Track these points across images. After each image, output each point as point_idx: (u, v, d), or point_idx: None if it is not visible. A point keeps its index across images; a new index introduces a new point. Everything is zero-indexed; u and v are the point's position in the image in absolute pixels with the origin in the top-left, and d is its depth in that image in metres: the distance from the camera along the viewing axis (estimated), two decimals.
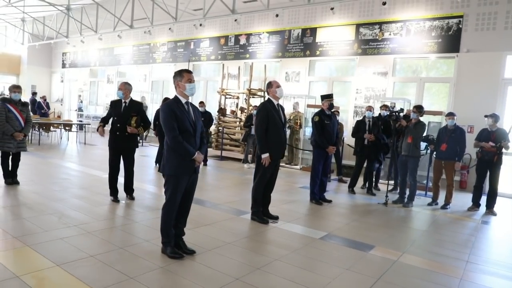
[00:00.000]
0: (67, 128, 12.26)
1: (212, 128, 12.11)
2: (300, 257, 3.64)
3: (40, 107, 14.96)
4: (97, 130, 5.29)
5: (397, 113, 6.33)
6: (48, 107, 15.69)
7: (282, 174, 8.88)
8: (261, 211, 4.73)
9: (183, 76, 3.27)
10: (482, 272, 3.65)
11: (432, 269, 3.59)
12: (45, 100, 15.69)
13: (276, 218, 4.82)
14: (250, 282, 2.97)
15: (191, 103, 3.43)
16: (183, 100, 3.32)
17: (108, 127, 5.24)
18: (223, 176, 8.29)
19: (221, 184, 7.34)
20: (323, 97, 6.07)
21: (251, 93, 10.84)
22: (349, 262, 3.60)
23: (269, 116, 4.49)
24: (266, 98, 4.90)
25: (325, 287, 2.98)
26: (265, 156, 4.54)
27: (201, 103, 9.58)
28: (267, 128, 4.51)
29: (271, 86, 4.62)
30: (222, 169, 9.21)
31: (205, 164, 9.36)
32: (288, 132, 10.39)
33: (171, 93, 13.69)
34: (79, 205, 4.93)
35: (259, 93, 10.90)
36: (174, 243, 3.43)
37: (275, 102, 4.60)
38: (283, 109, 4.74)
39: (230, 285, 2.89)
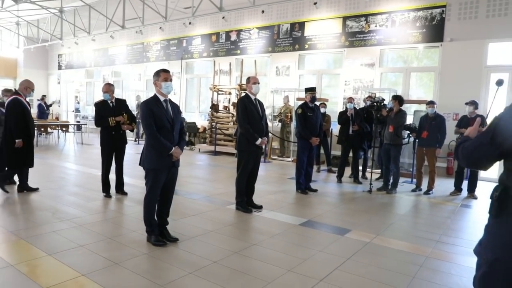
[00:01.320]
0: (64, 129, 12.50)
1: (205, 124, 12.39)
2: (277, 242, 3.89)
3: (40, 109, 15.12)
4: (121, 123, 5.36)
5: (378, 103, 6.54)
6: (47, 108, 15.93)
7: (273, 167, 9.15)
8: (245, 201, 4.97)
9: (160, 76, 3.51)
10: (449, 250, 3.89)
11: (401, 249, 3.83)
12: (43, 99, 15.89)
13: (260, 207, 5.06)
14: (226, 264, 3.22)
15: (170, 101, 3.67)
16: (162, 98, 3.55)
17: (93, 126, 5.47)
18: (215, 170, 8.54)
19: (212, 178, 7.59)
20: (306, 90, 6.29)
21: (242, 89, 11.02)
22: (323, 244, 3.84)
23: (247, 109, 4.72)
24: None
25: (295, 268, 3.22)
26: (259, 141, 4.79)
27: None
28: (248, 122, 4.75)
29: (248, 81, 4.85)
30: (215, 164, 9.45)
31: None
32: (279, 125, 10.63)
33: None
34: (73, 201, 5.18)
35: None
36: (158, 232, 3.68)
37: (253, 97, 4.83)
38: (261, 103, 4.96)
39: (208, 268, 3.14)
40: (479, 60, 8.49)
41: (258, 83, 4.90)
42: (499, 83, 5.23)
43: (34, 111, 18.06)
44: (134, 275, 2.94)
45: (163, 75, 3.50)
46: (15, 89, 5.64)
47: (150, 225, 3.63)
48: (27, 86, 5.48)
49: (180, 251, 3.53)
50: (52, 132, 12.96)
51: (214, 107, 11.68)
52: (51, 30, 16.10)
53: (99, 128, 5.48)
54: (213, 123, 11.48)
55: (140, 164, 3.62)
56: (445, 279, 3.17)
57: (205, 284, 2.85)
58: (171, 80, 3.55)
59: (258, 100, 4.95)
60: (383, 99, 6.80)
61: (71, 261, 3.15)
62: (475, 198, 6.42)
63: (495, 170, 7.05)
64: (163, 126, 3.47)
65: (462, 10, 8.70)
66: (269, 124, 11.14)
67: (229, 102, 12.13)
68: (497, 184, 1.54)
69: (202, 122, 13.44)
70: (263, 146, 4.97)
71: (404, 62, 9.89)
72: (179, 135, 3.65)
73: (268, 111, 11.87)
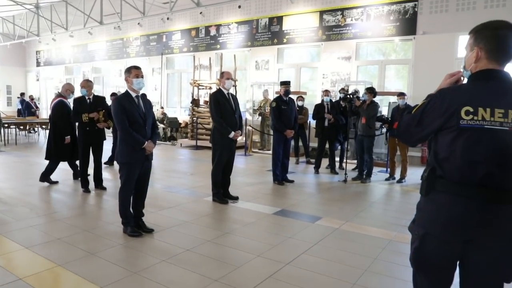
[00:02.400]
0: (43, 126, 12.41)
1: (187, 119, 12.46)
2: (249, 230, 4.06)
3: (29, 106, 14.95)
4: (95, 119, 5.47)
5: (351, 96, 6.75)
6: (37, 107, 15.76)
7: (254, 159, 9.32)
8: (221, 193, 5.12)
9: (131, 72, 3.62)
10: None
11: (367, 233, 4.04)
12: (32, 99, 15.70)
13: (236, 198, 5.22)
14: (199, 252, 3.38)
15: (142, 97, 3.78)
16: (133, 94, 3.66)
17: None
18: (195, 164, 8.66)
19: (192, 171, 7.70)
20: (281, 84, 6.45)
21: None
22: (293, 231, 4.03)
23: (220, 104, 4.86)
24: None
25: (264, 253, 3.39)
26: (232, 134, 4.92)
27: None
28: (221, 116, 4.88)
29: (222, 76, 4.99)
30: (195, 158, 9.56)
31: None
32: (259, 119, 10.78)
33: (149, 87, 13.87)
34: (51, 197, 5.25)
35: None
36: (134, 224, 3.80)
37: (225, 91, 4.96)
38: (234, 97, 5.10)
39: (180, 255, 3.29)
40: (450, 52, 8.78)
41: (231, 79, 5.03)
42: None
43: (13, 109, 17.87)
44: (109, 264, 3.07)
45: (134, 72, 3.61)
46: (58, 92, 6.29)
47: (126, 217, 3.75)
48: (68, 89, 6.00)
49: (155, 240, 3.66)
50: (36, 130, 12.85)
51: (195, 102, 11.75)
52: (28, 26, 15.85)
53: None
54: (194, 118, 11.56)
55: (115, 159, 3.73)
56: (405, 260, 3.32)
57: (176, 270, 3.00)
58: (142, 77, 3.67)
59: (232, 94, 5.09)
60: (357, 91, 7.02)
61: (47, 253, 3.26)
62: None
63: None
64: (135, 121, 3.59)
65: (433, 3, 8.97)
66: (249, 117, 11.38)
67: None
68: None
69: (184, 117, 13.49)
70: (238, 139, 5.12)
71: (380, 55, 10.14)
72: (151, 130, 3.77)
73: (248, 105, 12.04)
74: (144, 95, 3.82)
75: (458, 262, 1.66)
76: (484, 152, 1.48)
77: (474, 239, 1.56)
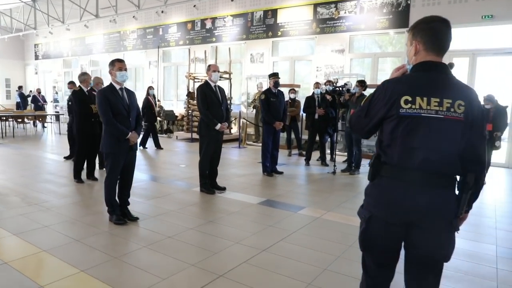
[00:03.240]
0: (40, 119, 12.54)
1: (183, 112, 12.56)
2: (232, 219, 4.18)
3: (36, 100, 14.94)
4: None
5: (340, 88, 6.83)
6: (45, 100, 15.83)
7: (247, 152, 9.44)
8: (208, 183, 5.24)
9: (114, 65, 3.73)
10: None
11: (346, 222, 4.16)
12: (39, 93, 15.75)
13: (223, 189, 5.35)
14: (179, 239, 3.51)
15: (126, 89, 3.89)
16: (117, 87, 3.78)
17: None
18: (189, 156, 8.77)
19: (184, 163, 7.83)
20: (270, 76, 6.54)
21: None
22: (275, 220, 4.15)
23: (206, 96, 4.96)
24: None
25: (243, 240, 3.52)
26: (218, 126, 5.03)
27: (151, 87, 10.01)
28: (207, 107, 4.99)
29: (209, 69, 5.08)
30: (190, 150, 9.67)
31: (144, 147, 9.49)
32: (254, 111, 10.88)
33: (146, 80, 13.99)
34: (44, 187, 5.38)
35: (225, 76, 11.29)
36: (120, 212, 3.94)
37: (212, 84, 5.06)
38: (221, 90, 5.19)
39: (161, 242, 3.43)
40: None
41: (218, 71, 5.13)
42: (450, 66, 5.58)
43: (12, 102, 17.98)
44: (91, 249, 3.20)
45: (117, 65, 3.72)
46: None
47: (111, 206, 3.88)
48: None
49: (139, 228, 3.80)
50: (29, 122, 12.97)
51: (191, 95, 11.83)
52: (25, 19, 15.91)
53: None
54: (189, 111, 11.66)
55: (100, 149, 3.86)
56: None
57: (155, 255, 3.13)
58: (125, 70, 3.77)
59: (219, 87, 5.19)
60: (346, 84, 7.10)
61: (34, 239, 3.39)
62: None
63: None
64: (119, 113, 3.70)
65: None
66: (244, 110, 11.48)
67: None
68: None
69: (180, 110, 13.59)
70: (232, 131, 5.24)
71: (376, 47, 10.19)
72: (135, 121, 3.88)
73: (243, 98, 12.13)
74: (126, 88, 3.91)
75: (403, 244, 1.77)
76: (421, 138, 1.59)
77: (415, 221, 1.66)
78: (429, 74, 1.63)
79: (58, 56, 18.29)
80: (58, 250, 3.16)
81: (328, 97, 7.28)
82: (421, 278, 1.73)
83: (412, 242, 1.71)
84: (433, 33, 1.65)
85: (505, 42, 8.19)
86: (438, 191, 1.61)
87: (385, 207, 1.70)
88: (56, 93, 18.29)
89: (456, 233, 1.72)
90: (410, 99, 1.59)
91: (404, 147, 1.62)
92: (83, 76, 5.78)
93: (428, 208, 1.62)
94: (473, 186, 1.63)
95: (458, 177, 1.68)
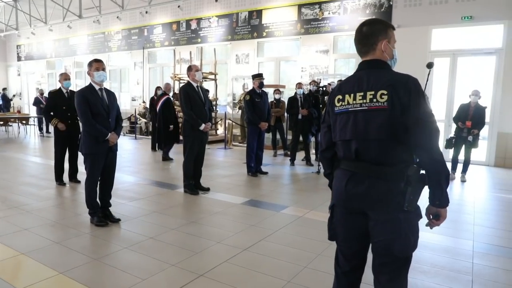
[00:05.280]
0: (23, 122, 12.34)
1: None
2: (215, 219, 4.19)
3: (38, 102, 14.32)
4: (55, 125, 5.51)
5: (323, 88, 6.90)
6: (8, 101, 15.49)
7: (233, 153, 9.44)
8: (192, 184, 5.24)
9: (92, 66, 3.71)
10: None
11: (325, 220, 4.19)
12: (42, 94, 15.38)
13: (207, 189, 5.35)
14: (161, 239, 3.50)
15: (106, 89, 3.87)
16: (97, 87, 3.75)
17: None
18: (173, 157, 8.73)
19: (167, 165, 7.80)
20: (254, 76, 6.57)
21: (202, 77, 11.20)
22: (257, 220, 4.17)
23: (189, 97, 4.96)
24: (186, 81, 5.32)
25: (224, 240, 3.54)
26: (202, 126, 5.03)
27: (159, 88, 10.09)
28: (191, 108, 4.99)
29: (190, 70, 5.08)
30: (175, 151, 9.62)
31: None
32: (239, 112, 10.89)
33: (131, 81, 13.87)
34: (24, 190, 5.31)
35: (210, 77, 11.29)
36: (101, 214, 3.91)
37: (195, 84, 5.06)
38: (203, 90, 5.20)
39: (142, 243, 3.42)
40: (424, 45, 8.98)
41: (200, 70, 5.13)
42: (429, 65, 5.68)
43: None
44: (71, 252, 3.18)
45: (95, 65, 3.70)
46: (163, 91, 8.43)
47: (92, 207, 3.86)
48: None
49: (121, 230, 3.78)
50: (11, 125, 12.75)
51: (176, 96, 11.78)
52: (6, 20, 15.64)
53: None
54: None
55: (79, 150, 3.83)
56: None
57: (136, 256, 3.12)
58: (103, 70, 3.75)
59: (201, 87, 5.19)
60: (330, 84, 7.17)
61: (12, 242, 3.35)
62: None
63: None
64: (98, 113, 3.68)
65: None
66: (230, 111, 11.49)
67: None
68: None
69: None
70: (218, 133, 5.25)
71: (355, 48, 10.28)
72: (115, 122, 3.86)
73: (229, 99, 12.14)
74: (106, 88, 3.89)
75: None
76: (351, 130, 1.71)
77: (365, 211, 1.71)
78: (360, 73, 1.77)
79: (42, 57, 18.02)
80: (36, 253, 3.13)
81: (311, 98, 7.31)
82: (381, 272, 1.75)
83: (371, 234, 1.75)
84: (354, 40, 1.84)
85: (484, 42, 8.37)
86: (376, 181, 1.66)
87: (336, 196, 1.82)
88: (42, 94, 17.97)
89: (429, 228, 1.77)
90: (341, 97, 1.77)
91: (341, 140, 1.76)
92: (59, 76, 5.70)
93: (367, 197, 1.68)
94: (424, 180, 1.64)
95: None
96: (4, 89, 16.58)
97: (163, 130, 8.07)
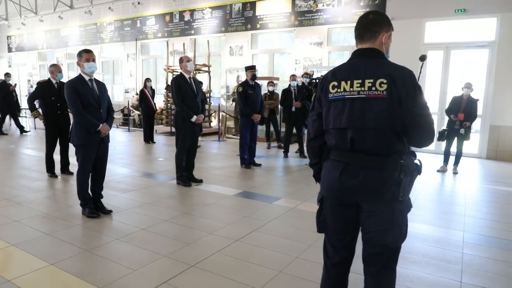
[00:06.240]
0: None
1: (162, 105, 12.43)
2: (207, 210, 4.19)
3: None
4: (35, 117, 5.60)
5: (316, 80, 6.88)
6: None
7: (227, 145, 9.42)
8: (185, 176, 5.22)
9: (82, 56, 3.66)
10: None
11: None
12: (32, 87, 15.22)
13: (200, 181, 5.34)
14: (153, 231, 3.49)
15: (96, 80, 3.82)
16: (87, 78, 3.71)
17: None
18: (167, 149, 8.69)
19: (161, 156, 7.77)
20: (247, 68, 6.54)
21: (196, 69, 11.13)
22: (250, 211, 4.18)
23: (181, 88, 4.92)
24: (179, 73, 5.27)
25: (217, 231, 3.53)
26: (194, 118, 5.00)
27: (148, 79, 10.00)
28: (182, 100, 4.96)
29: (182, 61, 5.03)
30: (169, 144, 9.59)
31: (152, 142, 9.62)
32: (233, 104, 10.85)
33: (124, 73, 13.74)
34: (15, 182, 5.26)
35: (203, 69, 11.22)
36: (93, 205, 3.89)
37: (187, 76, 5.02)
38: (196, 82, 5.17)
39: (134, 234, 3.40)
40: (417, 38, 8.96)
41: (192, 61, 5.09)
42: (422, 58, 5.69)
43: None
44: (62, 243, 3.16)
45: (85, 56, 3.65)
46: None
47: (84, 199, 3.83)
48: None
49: (113, 221, 3.77)
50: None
51: (169, 88, 11.70)
52: None
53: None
54: (168, 104, 11.55)
55: (70, 141, 3.79)
56: None
57: (127, 247, 3.11)
58: (93, 61, 3.70)
59: (194, 79, 5.15)
60: (322, 76, 7.14)
61: (2, 234, 3.32)
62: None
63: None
64: (89, 104, 3.64)
65: None
66: (223, 103, 11.44)
67: None
68: None
69: (159, 103, 13.41)
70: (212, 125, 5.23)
71: (351, 40, 10.26)
72: (107, 113, 3.83)
73: (223, 91, 12.09)
74: (96, 79, 3.84)
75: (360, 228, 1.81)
76: (347, 119, 1.67)
77: (359, 202, 1.71)
78: (357, 60, 1.74)
79: (33, 48, 17.77)
80: (27, 244, 3.10)
81: (304, 90, 7.28)
82: (372, 262, 1.75)
83: (362, 225, 1.76)
84: (356, 26, 1.80)
85: (477, 35, 8.39)
86: (371, 172, 1.64)
87: (327, 188, 1.78)
88: (31, 86, 17.78)
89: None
90: (336, 84, 1.71)
91: (335, 128, 1.71)
92: (51, 67, 5.63)
93: (362, 188, 1.66)
94: (418, 169, 1.64)
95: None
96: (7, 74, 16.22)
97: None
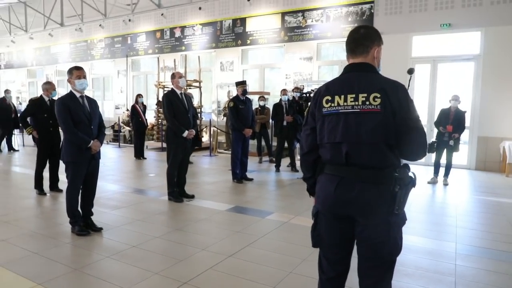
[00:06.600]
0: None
1: (153, 121, 12.41)
2: (200, 226, 4.15)
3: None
4: (29, 133, 5.64)
5: (307, 95, 6.94)
6: None
7: (218, 160, 9.40)
8: (176, 191, 5.18)
9: (73, 74, 3.66)
10: None
11: (310, 225, 4.19)
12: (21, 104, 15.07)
13: (192, 196, 5.29)
14: (144, 248, 3.44)
15: (87, 97, 3.81)
16: (78, 95, 3.69)
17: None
18: (158, 165, 8.64)
19: (152, 172, 7.71)
20: (237, 84, 6.58)
21: (187, 84, 11.15)
22: (242, 226, 4.14)
23: (172, 104, 4.93)
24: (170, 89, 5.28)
25: (209, 247, 3.49)
26: (186, 133, 4.98)
27: (139, 95, 9.98)
28: (174, 115, 4.95)
29: (174, 77, 5.05)
30: (160, 159, 9.54)
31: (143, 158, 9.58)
32: (224, 119, 10.86)
33: (115, 89, 13.72)
34: (2, 200, 5.16)
35: (194, 84, 11.25)
36: (83, 223, 3.83)
37: (178, 92, 5.03)
38: (187, 97, 5.18)
39: (125, 251, 3.35)
40: (405, 52, 9.14)
41: (184, 77, 5.11)
42: (410, 71, 5.79)
43: None
44: (51, 262, 3.09)
45: (75, 73, 3.65)
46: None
47: (73, 216, 3.77)
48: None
49: (103, 238, 3.70)
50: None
51: (160, 104, 11.70)
52: None
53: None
54: (159, 120, 11.52)
55: (60, 158, 3.74)
56: None
57: (118, 265, 3.05)
58: (84, 77, 3.70)
59: (185, 94, 5.17)
60: (313, 90, 7.22)
61: None
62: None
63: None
64: (80, 121, 3.62)
65: (388, 5, 9.32)
66: (215, 118, 11.46)
67: None
68: None
69: (150, 119, 13.38)
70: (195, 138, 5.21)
71: (340, 55, 10.42)
72: (98, 129, 3.80)
73: (214, 106, 12.12)
74: (87, 96, 3.82)
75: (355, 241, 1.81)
76: (342, 133, 1.68)
77: (354, 216, 1.71)
78: (350, 74, 1.75)
79: (22, 65, 17.70)
80: (14, 264, 3.03)
81: (295, 105, 7.34)
82: (368, 275, 1.75)
83: (357, 238, 1.76)
84: (347, 41, 1.82)
85: (462, 49, 8.58)
86: (366, 185, 1.65)
87: (322, 202, 1.77)
88: (20, 103, 17.64)
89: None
90: (330, 98, 1.72)
91: (330, 143, 1.72)
92: (45, 85, 5.62)
93: (357, 202, 1.66)
94: (413, 182, 1.66)
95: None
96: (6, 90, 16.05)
97: None
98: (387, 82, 1.67)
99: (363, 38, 1.76)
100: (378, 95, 1.62)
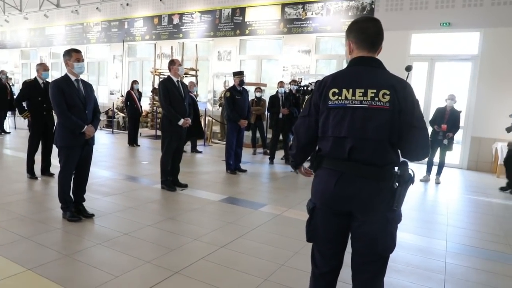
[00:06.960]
0: None
1: (147, 108, 12.31)
2: (192, 215, 4.14)
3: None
4: (24, 117, 5.48)
5: (304, 88, 6.92)
6: None
7: (212, 150, 9.37)
8: (170, 180, 5.15)
9: (71, 56, 3.58)
10: None
11: (306, 219, 4.20)
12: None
13: (185, 186, 5.27)
14: (136, 236, 3.42)
15: (83, 80, 3.75)
16: (73, 78, 3.63)
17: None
18: (152, 153, 8.59)
19: (146, 160, 7.67)
20: (234, 74, 6.53)
21: (185, 73, 11.06)
22: (235, 217, 4.14)
23: (169, 92, 4.87)
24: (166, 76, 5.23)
25: (201, 237, 3.49)
26: (181, 121, 4.94)
27: (135, 81, 9.85)
28: (170, 103, 4.90)
29: (173, 64, 4.99)
30: (154, 147, 9.48)
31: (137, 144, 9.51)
32: (220, 109, 10.80)
33: (110, 74, 13.56)
34: None
35: (191, 73, 11.15)
36: (74, 209, 3.79)
37: (175, 79, 4.97)
38: (183, 85, 5.12)
39: (116, 239, 3.33)
40: (404, 49, 9.12)
41: (182, 66, 5.06)
42: (408, 68, 5.79)
43: None
44: (41, 247, 3.06)
45: (75, 56, 3.57)
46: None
47: (65, 202, 3.73)
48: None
49: (94, 225, 3.68)
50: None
51: (155, 91, 11.60)
52: None
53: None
54: (154, 107, 11.44)
55: (53, 143, 3.69)
56: None
57: (109, 252, 3.04)
58: (83, 61, 3.63)
59: (181, 82, 5.11)
60: (311, 83, 7.20)
61: None
62: None
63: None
64: (74, 105, 3.56)
65: (389, 1, 9.28)
66: (210, 108, 11.39)
67: None
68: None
69: (145, 106, 13.27)
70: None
71: (338, 49, 10.38)
72: (92, 114, 3.75)
73: (210, 96, 12.04)
74: (82, 80, 3.76)
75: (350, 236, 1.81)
76: (348, 127, 1.65)
77: (353, 212, 1.70)
78: (358, 68, 1.71)
79: (16, 46, 17.40)
80: (3, 249, 2.99)
81: (292, 97, 7.32)
82: (362, 270, 1.76)
83: (353, 234, 1.76)
84: (362, 32, 1.73)
85: (461, 49, 8.59)
86: (367, 181, 1.64)
87: (320, 197, 1.75)
88: (13, 85, 17.35)
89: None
90: (337, 91, 1.68)
91: (334, 136, 1.68)
92: (38, 66, 5.52)
93: (357, 198, 1.65)
94: (412, 179, 1.67)
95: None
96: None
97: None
98: (396, 79, 1.66)
99: (379, 33, 1.73)
100: (388, 92, 1.61)
